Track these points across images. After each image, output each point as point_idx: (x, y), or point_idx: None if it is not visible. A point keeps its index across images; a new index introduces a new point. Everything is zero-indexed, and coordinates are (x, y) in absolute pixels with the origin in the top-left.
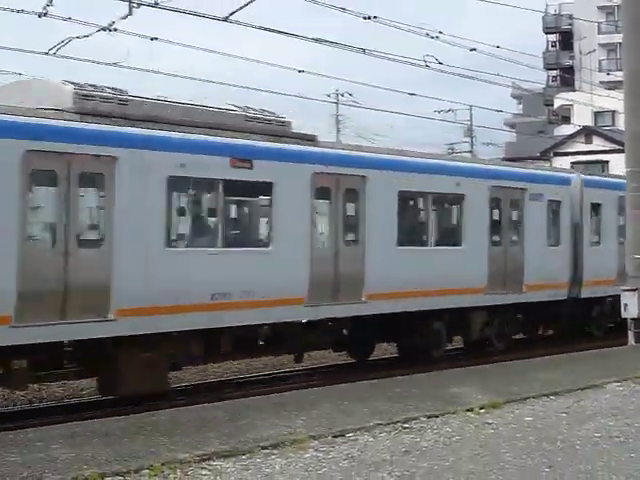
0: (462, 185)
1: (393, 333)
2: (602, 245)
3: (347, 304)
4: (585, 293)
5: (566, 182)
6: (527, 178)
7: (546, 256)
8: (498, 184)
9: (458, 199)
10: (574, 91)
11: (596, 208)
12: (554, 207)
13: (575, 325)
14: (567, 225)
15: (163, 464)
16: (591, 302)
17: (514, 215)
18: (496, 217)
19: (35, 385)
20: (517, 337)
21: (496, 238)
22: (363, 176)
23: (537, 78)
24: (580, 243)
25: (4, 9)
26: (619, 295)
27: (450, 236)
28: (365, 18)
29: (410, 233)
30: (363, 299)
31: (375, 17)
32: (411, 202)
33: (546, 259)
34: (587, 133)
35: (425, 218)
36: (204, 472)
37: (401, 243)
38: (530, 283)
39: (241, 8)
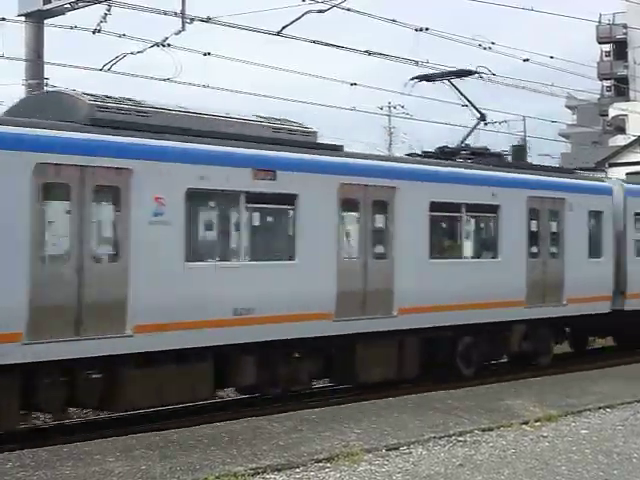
0: None
1: None
2: None
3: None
4: None
5: None
6: None
7: None
8: None
9: None
10: (628, 101)
11: None
12: None
13: None
14: None
15: (218, 477)
16: None
17: None
18: None
19: None
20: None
21: None
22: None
23: (592, 88)
24: None
25: (59, 26)
26: None
27: None
28: (417, 30)
29: None
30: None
31: (427, 29)
32: None
33: None
34: None
35: None
36: None
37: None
38: None
39: (292, 22)
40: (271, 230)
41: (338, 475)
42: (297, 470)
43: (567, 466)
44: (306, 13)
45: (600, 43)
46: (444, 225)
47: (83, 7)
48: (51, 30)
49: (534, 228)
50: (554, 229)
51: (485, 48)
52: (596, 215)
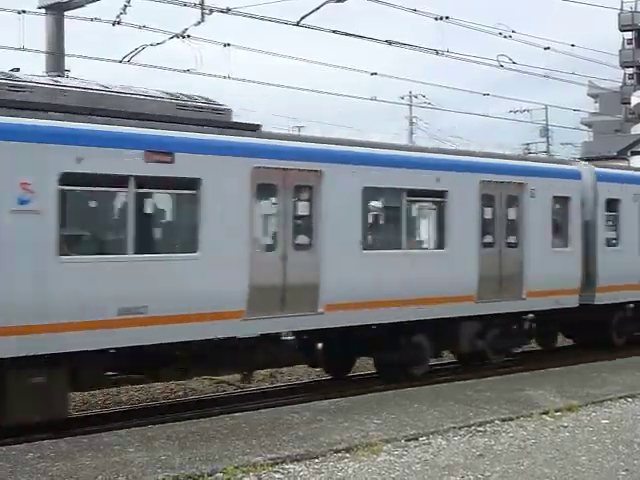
0: None
1: None
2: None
3: None
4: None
5: None
6: None
7: None
8: None
9: None
10: None
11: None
12: None
13: None
14: None
15: (236, 467)
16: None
17: None
18: None
19: (114, 389)
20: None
21: None
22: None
23: (614, 76)
24: None
25: (79, 18)
26: None
27: None
28: (437, 19)
29: None
30: None
31: (447, 17)
32: None
33: None
34: None
35: None
36: (277, 475)
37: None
38: None
39: (312, 12)
40: None
41: (357, 465)
42: (316, 460)
43: (587, 456)
44: (325, 3)
45: (622, 31)
46: None
47: None
48: (71, 22)
49: None
50: None
51: (506, 37)
52: None
